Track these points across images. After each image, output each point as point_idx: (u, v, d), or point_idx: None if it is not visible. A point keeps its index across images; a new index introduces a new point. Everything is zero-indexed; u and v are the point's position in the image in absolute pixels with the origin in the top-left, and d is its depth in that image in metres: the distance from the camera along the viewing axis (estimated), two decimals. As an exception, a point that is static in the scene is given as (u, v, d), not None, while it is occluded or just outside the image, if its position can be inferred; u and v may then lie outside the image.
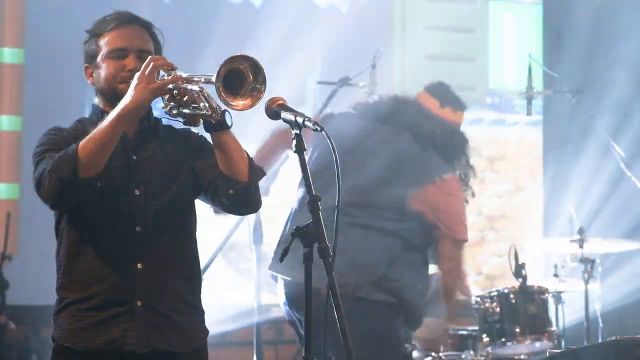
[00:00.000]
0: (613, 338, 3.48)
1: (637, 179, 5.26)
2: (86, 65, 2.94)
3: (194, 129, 2.90)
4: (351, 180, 3.96)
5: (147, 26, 2.94)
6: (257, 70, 2.65)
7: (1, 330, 5.75)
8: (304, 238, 2.59)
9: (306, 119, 2.62)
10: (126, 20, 2.91)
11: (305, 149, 2.64)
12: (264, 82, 2.66)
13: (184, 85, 2.69)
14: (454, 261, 4.29)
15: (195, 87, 2.68)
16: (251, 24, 6.37)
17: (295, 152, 2.63)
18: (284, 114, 2.67)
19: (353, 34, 6.52)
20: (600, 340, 5.51)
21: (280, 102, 2.68)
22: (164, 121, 2.93)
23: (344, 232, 3.81)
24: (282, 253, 2.67)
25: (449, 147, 4.28)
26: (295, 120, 2.63)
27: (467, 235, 4.27)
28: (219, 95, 2.61)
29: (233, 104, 2.64)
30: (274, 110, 2.68)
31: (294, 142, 2.63)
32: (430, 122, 4.26)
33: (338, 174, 2.56)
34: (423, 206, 4.16)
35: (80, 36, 2.97)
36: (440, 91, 4.34)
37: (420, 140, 4.21)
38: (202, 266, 3.07)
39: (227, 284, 6.71)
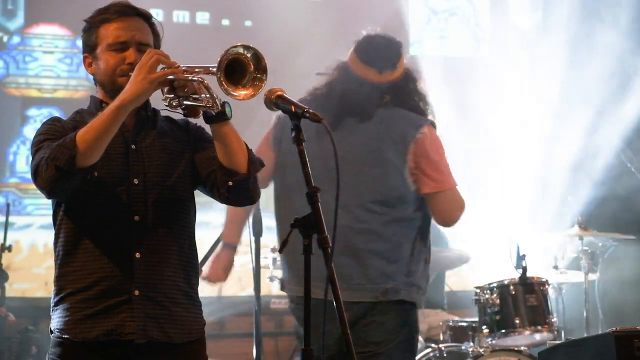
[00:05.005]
0: (613, 329, 3.47)
1: (637, 171, 5.26)
2: (85, 55, 2.92)
3: (192, 120, 2.89)
4: (355, 178, 3.83)
5: (147, 18, 2.92)
6: (258, 60, 2.64)
7: (1, 322, 5.75)
8: (304, 229, 2.58)
9: (305, 110, 2.61)
10: (127, 11, 2.89)
11: (305, 140, 2.63)
12: (265, 72, 2.65)
13: (184, 76, 2.68)
14: (453, 210, 3.97)
15: (195, 78, 2.67)
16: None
17: (294, 143, 2.61)
18: (282, 105, 2.66)
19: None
20: (600, 332, 5.52)
21: (279, 92, 2.67)
22: (163, 113, 2.92)
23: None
24: (282, 244, 2.67)
25: (406, 98, 3.99)
26: (294, 111, 2.62)
27: (453, 180, 3.94)
28: (220, 85, 2.60)
29: (234, 94, 2.63)
30: (273, 101, 2.67)
31: (293, 133, 2.62)
32: (378, 92, 3.93)
33: (337, 165, 2.54)
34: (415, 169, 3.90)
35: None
36: (372, 56, 3.96)
37: (381, 113, 3.93)
38: (200, 258, 3.06)
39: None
